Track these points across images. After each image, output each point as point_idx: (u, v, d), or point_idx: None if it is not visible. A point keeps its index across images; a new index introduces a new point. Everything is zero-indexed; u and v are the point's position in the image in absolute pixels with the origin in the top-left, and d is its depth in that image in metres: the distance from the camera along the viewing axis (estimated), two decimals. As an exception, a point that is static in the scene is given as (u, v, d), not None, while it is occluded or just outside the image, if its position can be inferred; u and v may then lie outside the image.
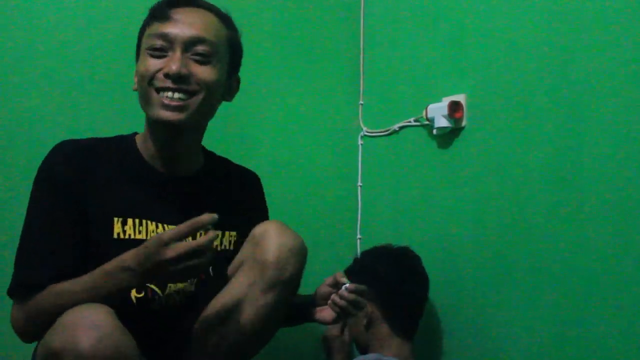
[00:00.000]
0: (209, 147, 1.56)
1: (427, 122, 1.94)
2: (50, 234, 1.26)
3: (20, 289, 1.26)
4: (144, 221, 1.33)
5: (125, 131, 1.46)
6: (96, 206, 1.29)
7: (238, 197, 1.53)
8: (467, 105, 1.83)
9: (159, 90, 1.29)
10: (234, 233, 1.47)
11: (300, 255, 1.32)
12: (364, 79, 2.26)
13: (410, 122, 2.03)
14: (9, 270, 1.31)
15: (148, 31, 1.33)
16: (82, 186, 1.29)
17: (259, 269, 1.29)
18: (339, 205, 2.22)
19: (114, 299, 1.16)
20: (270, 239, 1.30)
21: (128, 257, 1.17)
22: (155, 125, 1.34)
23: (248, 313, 1.28)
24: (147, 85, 1.30)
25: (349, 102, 2.26)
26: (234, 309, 1.29)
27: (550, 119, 1.59)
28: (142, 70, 1.31)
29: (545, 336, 1.56)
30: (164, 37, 1.30)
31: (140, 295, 1.31)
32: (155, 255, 1.13)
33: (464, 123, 1.84)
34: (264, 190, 1.64)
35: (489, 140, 1.76)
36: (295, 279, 1.32)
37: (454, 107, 1.82)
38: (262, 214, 1.59)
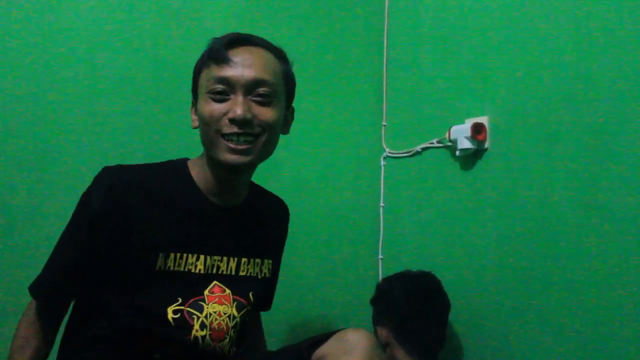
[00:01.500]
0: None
1: (449, 144, 1.94)
2: (62, 255, 1.33)
3: (30, 291, 1.37)
4: (184, 254, 1.32)
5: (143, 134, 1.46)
6: (140, 241, 1.28)
7: (273, 226, 1.55)
8: (490, 126, 1.83)
9: (224, 135, 1.29)
10: (270, 261, 1.50)
11: None
12: (387, 100, 2.27)
13: (433, 143, 2.03)
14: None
15: (206, 73, 1.33)
16: (123, 222, 1.27)
17: None
18: (361, 226, 2.23)
19: None
20: (360, 353, 1.24)
21: None
22: (218, 165, 1.33)
23: None
24: (213, 131, 1.30)
25: (372, 123, 2.27)
26: None
27: (574, 140, 1.59)
28: (206, 116, 1.30)
29: (573, 357, 1.55)
30: (225, 81, 1.30)
31: (177, 316, 1.31)
32: None
33: (486, 145, 1.84)
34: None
35: (512, 162, 1.75)
36: None
37: (477, 128, 1.82)
38: (284, 246, 1.63)
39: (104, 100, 1.84)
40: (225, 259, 1.38)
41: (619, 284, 1.45)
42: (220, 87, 1.30)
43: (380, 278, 2.19)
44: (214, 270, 1.36)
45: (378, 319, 1.81)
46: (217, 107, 1.29)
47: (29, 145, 1.75)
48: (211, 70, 1.32)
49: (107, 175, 1.30)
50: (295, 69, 2.07)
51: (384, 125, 2.27)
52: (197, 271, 1.33)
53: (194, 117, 1.37)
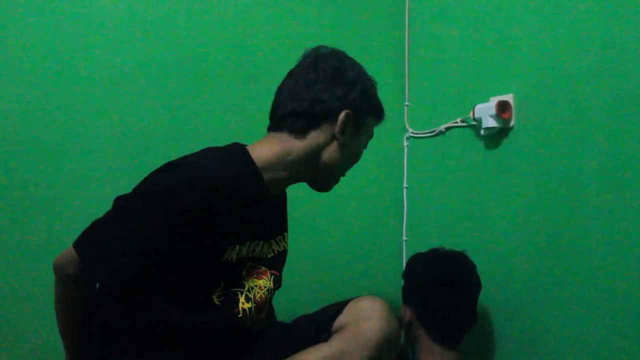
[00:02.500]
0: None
1: (474, 123, 1.91)
2: (133, 239, 1.23)
3: (82, 256, 1.26)
4: (248, 243, 1.37)
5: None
6: (214, 237, 1.29)
7: (284, 201, 1.59)
8: (516, 104, 1.79)
9: (339, 175, 1.48)
10: (286, 234, 1.55)
11: (393, 346, 1.34)
12: (409, 80, 2.24)
13: (457, 122, 2.00)
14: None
15: (371, 123, 1.48)
16: (205, 224, 1.25)
17: (360, 344, 1.29)
18: (385, 207, 2.21)
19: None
20: (377, 319, 1.32)
21: None
22: (319, 186, 1.48)
23: None
24: (344, 167, 1.47)
25: (394, 103, 2.24)
26: None
27: (602, 118, 1.54)
28: (355, 156, 1.48)
29: (600, 344, 1.52)
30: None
31: (221, 298, 1.33)
32: None
33: (512, 123, 1.80)
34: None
35: (539, 141, 1.72)
36: None
37: (502, 107, 1.78)
38: None
39: (122, 88, 1.83)
40: (272, 240, 1.45)
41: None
42: (367, 144, 1.51)
43: (404, 260, 2.18)
44: (252, 254, 1.39)
45: (404, 296, 1.80)
46: (360, 155, 1.50)
47: (44, 135, 1.74)
48: (374, 125, 1.50)
49: (204, 180, 1.25)
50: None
51: (407, 105, 2.24)
52: (253, 255, 1.39)
53: (341, 130, 1.39)
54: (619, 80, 1.51)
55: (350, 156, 1.45)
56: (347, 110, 1.37)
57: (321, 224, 2.10)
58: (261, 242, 1.40)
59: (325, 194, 2.04)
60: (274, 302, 1.54)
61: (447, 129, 2.05)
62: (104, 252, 1.23)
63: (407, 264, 1.85)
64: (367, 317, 1.31)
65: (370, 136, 1.50)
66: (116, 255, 1.22)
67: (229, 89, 1.94)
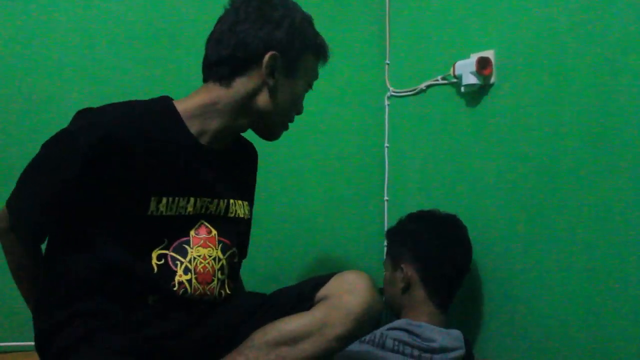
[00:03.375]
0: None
1: (454, 80, 1.89)
2: (40, 193, 1.26)
3: (8, 210, 1.31)
4: (176, 199, 1.30)
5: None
6: (132, 182, 1.24)
7: (248, 169, 1.55)
8: (496, 61, 1.78)
9: (287, 121, 1.42)
10: (247, 202, 1.49)
11: (374, 320, 1.34)
12: (390, 38, 2.21)
13: (437, 80, 1.98)
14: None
15: (312, 62, 1.40)
16: (117, 167, 1.22)
17: (342, 315, 1.29)
18: (366, 167, 2.20)
19: None
20: (361, 293, 1.31)
21: None
22: (262, 133, 1.41)
23: (316, 346, 1.29)
24: (286, 111, 1.38)
25: (375, 62, 2.22)
26: (304, 337, 1.29)
27: (582, 75, 1.54)
28: (295, 98, 1.39)
29: (577, 298, 1.54)
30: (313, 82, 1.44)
31: (161, 262, 1.29)
32: None
33: (493, 80, 1.79)
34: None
35: (519, 97, 1.71)
36: (358, 337, 1.35)
37: (483, 63, 1.77)
38: (255, 189, 1.61)
39: (98, 53, 1.80)
40: (215, 200, 1.37)
41: (625, 221, 1.42)
42: (311, 84, 1.43)
43: (386, 220, 2.18)
44: (203, 211, 1.35)
45: (400, 257, 1.77)
46: (301, 98, 1.42)
47: (22, 97, 1.71)
48: (315, 64, 1.41)
49: (101, 124, 1.22)
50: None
51: (387, 64, 2.22)
52: (186, 213, 1.32)
53: (267, 73, 1.31)
54: (600, 38, 1.50)
55: (288, 100, 1.37)
56: (273, 52, 1.30)
57: (302, 183, 2.09)
58: (192, 198, 1.32)
59: (307, 153, 2.05)
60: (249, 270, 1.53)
61: (428, 87, 2.03)
62: (22, 207, 1.28)
63: (404, 225, 1.83)
64: (351, 290, 1.31)
65: (315, 77, 1.42)
66: (30, 210, 1.28)
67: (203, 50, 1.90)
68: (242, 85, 1.32)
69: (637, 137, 1.40)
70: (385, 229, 2.18)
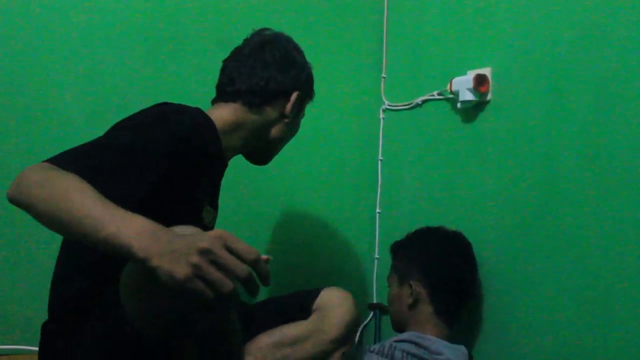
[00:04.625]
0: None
1: (451, 96, 1.90)
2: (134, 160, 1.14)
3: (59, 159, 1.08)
4: (210, 209, 1.46)
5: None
6: (194, 183, 1.31)
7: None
8: (493, 78, 1.79)
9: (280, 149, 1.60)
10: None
11: (357, 328, 1.70)
12: (386, 52, 2.22)
13: (433, 95, 2.00)
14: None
15: (307, 104, 1.60)
16: (187, 163, 1.25)
17: (335, 323, 1.59)
18: (359, 179, 2.21)
19: (79, 239, 0.97)
20: (348, 306, 1.62)
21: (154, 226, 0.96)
22: (260, 159, 1.59)
23: (314, 348, 1.57)
24: (287, 142, 1.59)
25: (371, 75, 2.23)
26: (304, 340, 1.58)
27: (579, 92, 1.55)
28: (295, 131, 1.59)
29: (570, 317, 1.54)
30: None
31: None
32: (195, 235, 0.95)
33: (489, 97, 1.80)
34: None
35: (515, 115, 1.72)
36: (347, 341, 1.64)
37: (480, 80, 1.78)
38: None
39: (94, 53, 1.79)
40: (215, 213, 1.50)
41: (622, 236, 1.43)
42: None
43: (377, 233, 2.19)
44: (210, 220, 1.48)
45: (410, 273, 1.76)
46: None
47: (12, 101, 1.69)
48: (306, 105, 1.60)
49: (194, 114, 1.34)
50: (292, 19, 2.06)
51: (384, 77, 2.23)
52: (209, 224, 1.46)
53: (286, 121, 1.51)
54: (598, 57, 1.51)
55: (291, 134, 1.58)
56: (298, 91, 1.50)
57: (295, 194, 2.09)
58: (211, 209, 1.47)
59: (302, 165, 2.06)
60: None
61: (424, 101, 2.04)
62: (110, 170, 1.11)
63: (412, 241, 1.82)
64: (340, 304, 1.60)
65: (303, 115, 1.61)
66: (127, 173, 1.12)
67: (205, 55, 1.89)
68: (267, 114, 1.49)
69: (633, 155, 1.42)
70: (377, 241, 2.19)
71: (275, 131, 1.51)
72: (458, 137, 1.91)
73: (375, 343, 1.93)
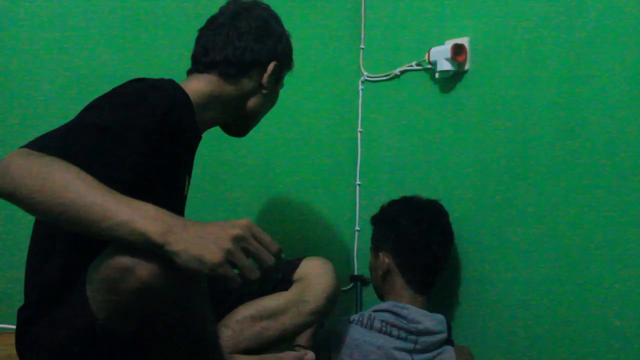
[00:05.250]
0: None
1: (429, 66, 1.90)
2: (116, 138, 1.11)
3: (39, 142, 1.03)
4: (188, 178, 1.44)
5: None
6: (174, 160, 1.31)
7: None
8: (471, 48, 1.79)
9: (259, 120, 1.56)
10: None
11: (337, 299, 1.57)
12: (365, 23, 2.21)
13: (412, 66, 1.99)
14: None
15: (285, 73, 1.56)
16: (167, 137, 1.23)
17: (315, 294, 1.52)
18: (339, 151, 2.20)
19: (89, 234, 0.94)
20: (329, 276, 1.54)
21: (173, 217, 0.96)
22: (238, 130, 1.53)
23: (294, 320, 1.51)
24: (265, 114, 1.55)
25: (350, 47, 2.21)
26: (283, 312, 1.50)
27: (556, 63, 1.55)
28: (273, 102, 1.55)
29: (546, 285, 1.56)
30: None
31: None
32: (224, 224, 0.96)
33: (467, 66, 1.80)
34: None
35: (493, 84, 1.72)
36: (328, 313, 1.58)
37: (457, 50, 1.78)
38: None
39: (70, 29, 1.76)
40: (189, 179, 1.46)
41: (597, 204, 1.45)
42: None
43: (357, 204, 2.19)
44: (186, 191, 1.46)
45: (380, 243, 1.78)
46: None
47: None
48: (284, 76, 1.56)
49: (170, 89, 1.30)
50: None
51: (362, 49, 2.22)
52: (186, 193, 1.44)
53: (264, 92, 1.47)
54: (574, 27, 1.51)
55: (270, 105, 1.54)
56: (275, 62, 1.46)
57: (274, 166, 2.08)
58: (187, 178, 1.44)
59: (281, 137, 2.05)
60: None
61: (402, 72, 2.04)
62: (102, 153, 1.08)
63: (382, 212, 1.82)
64: (320, 274, 1.53)
65: (282, 85, 1.57)
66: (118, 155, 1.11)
67: (181, 28, 1.87)
68: (244, 84, 1.45)
69: (608, 124, 1.43)
70: (357, 213, 2.20)
71: (252, 102, 1.47)
72: (437, 107, 1.91)
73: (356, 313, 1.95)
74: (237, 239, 0.93)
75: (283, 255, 1.01)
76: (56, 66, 1.74)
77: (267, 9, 1.51)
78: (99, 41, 1.79)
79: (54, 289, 1.17)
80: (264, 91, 1.47)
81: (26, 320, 1.20)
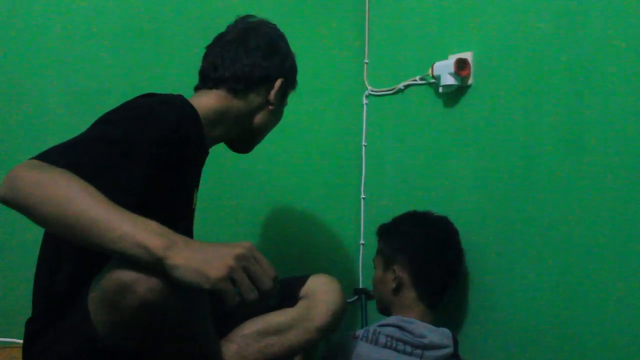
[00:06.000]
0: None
1: (433, 81, 1.91)
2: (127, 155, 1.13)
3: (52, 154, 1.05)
4: (196, 194, 1.45)
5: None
6: (183, 174, 1.32)
7: None
8: (475, 62, 1.80)
9: (264, 137, 1.58)
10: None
11: (344, 316, 1.54)
12: (369, 37, 2.22)
13: (416, 80, 2.00)
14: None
15: (290, 92, 1.59)
16: (179, 154, 1.26)
17: (321, 311, 1.49)
18: (343, 165, 2.21)
19: (93, 247, 0.95)
20: (336, 293, 1.52)
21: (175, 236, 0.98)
22: (244, 148, 1.57)
23: (299, 336, 1.49)
24: (270, 130, 1.58)
25: (354, 61, 2.23)
26: (289, 328, 1.49)
27: (559, 77, 1.56)
28: (278, 119, 1.58)
29: (549, 299, 1.56)
30: None
31: None
32: (229, 245, 0.99)
33: (470, 81, 1.81)
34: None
35: (497, 99, 1.73)
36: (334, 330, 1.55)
37: (461, 64, 1.79)
38: None
39: (76, 45, 1.78)
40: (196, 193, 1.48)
41: (600, 222, 1.45)
42: None
43: (362, 218, 2.20)
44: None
45: (393, 257, 1.77)
46: None
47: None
48: (289, 94, 1.59)
49: (180, 104, 1.32)
50: (276, 7, 2.05)
51: (366, 63, 2.23)
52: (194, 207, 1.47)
53: (271, 108, 1.50)
54: (578, 43, 1.51)
55: (275, 121, 1.58)
56: (282, 78, 1.50)
57: (280, 180, 2.09)
58: (196, 194, 1.46)
59: (285, 151, 2.06)
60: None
61: (406, 86, 2.05)
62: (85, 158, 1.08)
63: (398, 225, 1.82)
64: (327, 291, 1.51)
65: (286, 104, 1.60)
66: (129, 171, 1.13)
67: (188, 43, 1.88)
68: (251, 100, 1.48)
69: (611, 138, 1.43)
70: (362, 226, 2.20)
71: (259, 118, 1.50)
72: (440, 121, 1.91)
73: (361, 328, 1.94)
74: (239, 258, 0.96)
75: (278, 286, 1.03)
76: (62, 81, 1.75)
77: (274, 27, 1.55)
78: (105, 57, 1.81)
79: (61, 301, 1.19)
80: (270, 107, 1.50)
81: (33, 332, 1.21)
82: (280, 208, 2.09)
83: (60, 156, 1.04)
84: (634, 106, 1.39)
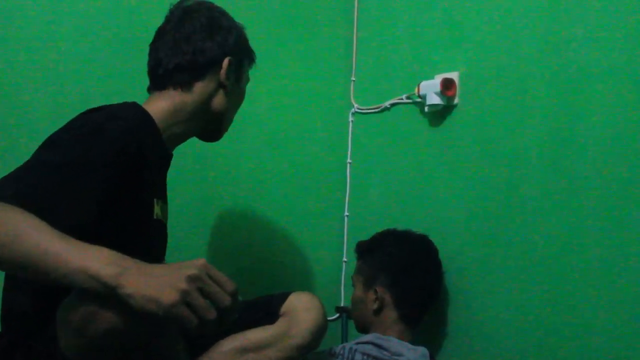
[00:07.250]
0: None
1: (419, 100, 1.92)
2: (77, 181, 1.10)
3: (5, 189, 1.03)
4: (161, 203, 1.38)
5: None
6: (140, 185, 1.26)
7: None
8: (461, 82, 1.81)
9: (230, 121, 1.52)
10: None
11: (324, 334, 1.53)
12: (356, 55, 2.23)
13: (402, 99, 2.01)
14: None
15: (248, 68, 1.51)
16: (135, 165, 1.22)
17: (301, 329, 1.47)
18: (328, 182, 2.20)
19: (49, 282, 0.95)
20: (316, 311, 1.50)
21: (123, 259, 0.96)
22: (211, 135, 1.50)
23: (279, 354, 1.46)
24: (236, 111, 1.51)
25: (341, 78, 2.23)
26: (268, 345, 1.46)
27: (545, 98, 1.57)
28: (239, 98, 1.51)
29: (533, 318, 1.56)
30: None
31: None
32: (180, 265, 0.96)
33: (456, 101, 1.82)
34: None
35: (482, 119, 1.74)
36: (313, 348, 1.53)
37: (447, 84, 1.80)
38: None
39: (62, 56, 1.76)
40: (165, 206, 1.41)
41: (584, 242, 1.45)
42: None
43: (345, 235, 2.19)
44: (162, 217, 1.40)
45: (374, 277, 1.76)
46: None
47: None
48: (248, 69, 1.51)
49: (129, 114, 1.26)
50: (263, 23, 2.05)
51: (353, 81, 2.24)
52: (163, 219, 1.39)
53: (226, 76, 1.41)
54: (562, 63, 1.54)
55: (238, 101, 1.51)
56: (229, 57, 1.41)
57: (263, 196, 2.08)
58: (162, 204, 1.39)
59: (270, 167, 2.05)
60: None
61: (393, 105, 2.05)
62: (58, 199, 1.07)
63: (379, 244, 1.80)
64: (308, 309, 1.49)
65: (247, 80, 1.53)
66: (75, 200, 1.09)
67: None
68: (202, 89, 1.40)
69: (597, 160, 1.44)
70: (345, 244, 2.19)
71: (216, 103, 1.42)
72: (426, 140, 1.92)
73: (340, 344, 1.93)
74: (192, 279, 0.92)
75: (240, 298, 1.00)
76: (47, 92, 1.74)
77: (211, 6, 1.46)
78: (92, 67, 1.79)
79: (27, 318, 1.16)
80: (225, 90, 1.42)
81: (5, 349, 1.18)
82: (263, 224, 2.08)
83: (7, 188, 1.02)
84: (618, 126, 1.41)
